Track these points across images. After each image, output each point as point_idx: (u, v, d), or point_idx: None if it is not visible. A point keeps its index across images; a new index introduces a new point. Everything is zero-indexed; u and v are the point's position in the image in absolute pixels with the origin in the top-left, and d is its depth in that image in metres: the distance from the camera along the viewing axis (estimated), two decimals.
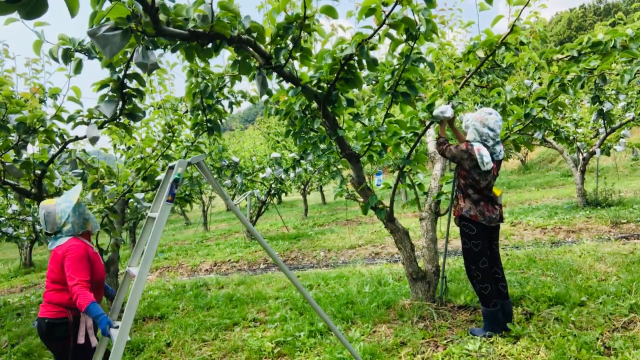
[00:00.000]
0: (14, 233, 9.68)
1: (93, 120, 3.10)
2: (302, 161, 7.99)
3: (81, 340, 2.26)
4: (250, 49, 2.61)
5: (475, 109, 3.50)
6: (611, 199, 8.26)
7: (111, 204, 4.08)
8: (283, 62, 2.65)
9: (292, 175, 8.11)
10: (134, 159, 4.49)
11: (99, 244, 4.55)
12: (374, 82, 3.81)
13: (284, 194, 20.29)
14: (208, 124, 3.91)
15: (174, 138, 4.48)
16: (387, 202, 3.77)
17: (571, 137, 7.92)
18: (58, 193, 3.97)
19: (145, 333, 4.02)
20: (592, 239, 5.81)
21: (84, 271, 2.20)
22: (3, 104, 3.07)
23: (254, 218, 10.08)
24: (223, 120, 4.08)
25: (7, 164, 3.34)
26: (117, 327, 1.98)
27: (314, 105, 3.31)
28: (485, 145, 2.94)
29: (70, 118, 3.12)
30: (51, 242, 2.36)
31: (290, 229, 11.31)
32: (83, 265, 2.23)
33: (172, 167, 2.16)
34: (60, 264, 2.27)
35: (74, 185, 5.67)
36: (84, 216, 2.39)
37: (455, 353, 2.83)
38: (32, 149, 3.59)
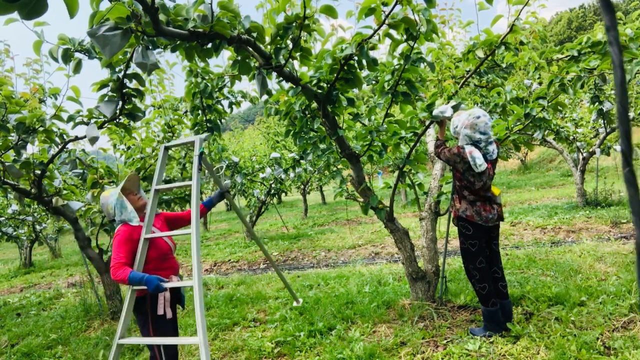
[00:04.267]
0: (14, 233, 9.69)
1: (93, 120, 3.11)
2: (302, 161, 7.99)
3: (160, 311, 2.50)
4: (250, 49, 2.61)
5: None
6: (611, 199, 8.26)
7: None
8: (283, 62, 2.65)
9: (292, 175, 8.11)
10: (133, 158, 4.50)
11: (98, 244, 4.55)
12: (374, 82, 3.81)
13: (283, 194, 20.28)
14: (208, 124, 3.91)
15: (174, 138, 4.48)
16: (387, 202, 3.77)
17: (571, 137, 7.92)
18: (58, 193, 3.97)
19: None
20: (592, 239, 5.81)
21: (122, 253, 2.42)
22: (3, 104, 3.07)
23: (254, 218, 10.08)
24: (223, 120, 4.08)
25: (7, 164, 3.34)
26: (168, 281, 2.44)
27: (314, 105, 3.31)
28: (477, 147, 2.93)
29: (70, 118, 3.12)
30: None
31: (290, 229, 11.31)
32: (123, 248, 2.44)
33: (167, 148, 2.70)
34: None
35: (74, 185, 5.67)
36: (124, 207, 2.56)
37: (455, 353, 2.83)
38: (32, 149, 3.60)
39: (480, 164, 2.83)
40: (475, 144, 2.93)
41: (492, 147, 2.98)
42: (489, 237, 3.11)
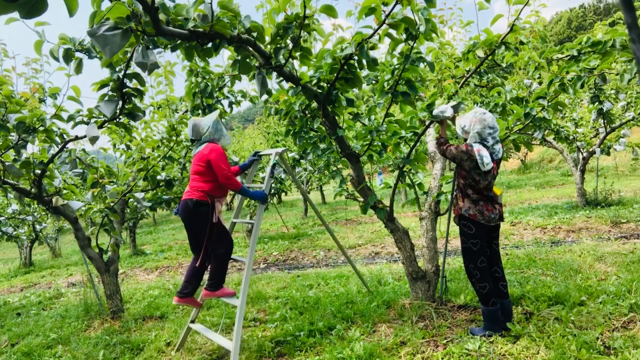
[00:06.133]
0: (14, 233, 9.69)
1: (93, 120, 3.11)
2: (302, 161, 7.98)
3: (215, 219, 3.04)
4: (250, 49, 2.61)
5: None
6: (611, 199, 8.27)
7: (111, 204, 4.08)
8: (283, 61, 2.65)
9: None
10: (133, 158, 4.49)
11: (98, 244, 4.55)
12: (374, 81, 3.81)
13: (283, 194, 20.28)
14: None
15: (176, 139, 4.48)
16: (387, 202, 3.77)
17: (571, 137, 7.92)
18: (58, 193, 3.97)
19: (145, 332, 4.02)
20: (592, 239, 5.82)
21: (227, 166, 2.97)
22: (3, 104, 3.07)
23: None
24: (223, 120, 4.08)
25: (7, 163, 3.34)
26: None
27: (314, 104, 3.31)
28: (484, 146, 2.94)
29: (70, 117, 3.12)
30: (195, 148, 3.12)
31: (290, 229, 11.31)
32: (226, 161, 2.98)
33: (256, 154, 3.59)
34: (205, 161, 2.99)
35: (74, 185, 5.67)
36: (219, 129, 3.10)
37: (455, 352, 2.83)
38: (32, 149, 3.60)
39: (487, 162, 2.86)
40: (483, 142, 2.94)
41: (499, 147, 3.01)
42: (489, 236, 3.12)
